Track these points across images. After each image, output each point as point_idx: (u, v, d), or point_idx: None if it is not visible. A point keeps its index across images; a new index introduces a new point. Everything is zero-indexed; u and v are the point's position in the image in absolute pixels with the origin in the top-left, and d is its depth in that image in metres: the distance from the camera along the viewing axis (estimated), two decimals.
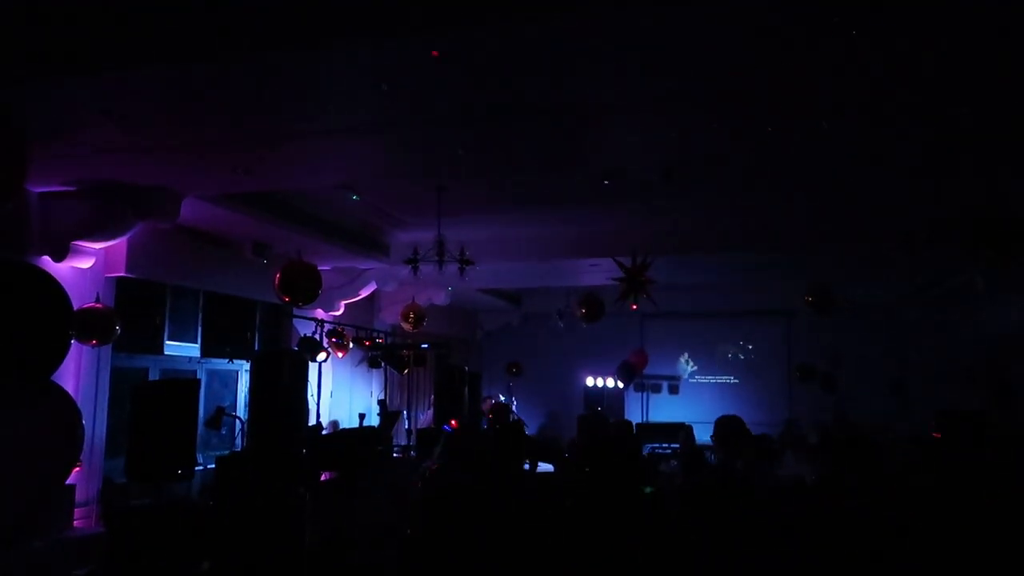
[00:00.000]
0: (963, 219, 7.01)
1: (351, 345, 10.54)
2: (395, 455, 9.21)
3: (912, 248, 8.53)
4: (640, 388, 15.22)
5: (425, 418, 11.54)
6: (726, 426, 5.40)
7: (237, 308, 9.64)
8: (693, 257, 10.15)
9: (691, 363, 16.02)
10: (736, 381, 15.76)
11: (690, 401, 15.00)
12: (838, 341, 14.26)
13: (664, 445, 11.19)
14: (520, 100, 4.82)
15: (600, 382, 14.76)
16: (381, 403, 10.44)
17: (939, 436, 6.17)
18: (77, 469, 6.69)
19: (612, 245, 9.23)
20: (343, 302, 10.98)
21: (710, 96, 4.78)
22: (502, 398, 13.57)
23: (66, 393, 3.68)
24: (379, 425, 9.48)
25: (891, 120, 5.30)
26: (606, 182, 7.16)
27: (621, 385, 14.77)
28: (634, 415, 14.70)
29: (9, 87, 4.05)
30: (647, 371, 15.05)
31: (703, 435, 8.03)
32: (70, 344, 5.07)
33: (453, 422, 9.21)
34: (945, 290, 12.65)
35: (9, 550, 5.26)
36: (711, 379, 15.92)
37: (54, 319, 3.50)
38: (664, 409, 14.88)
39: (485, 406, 12.43)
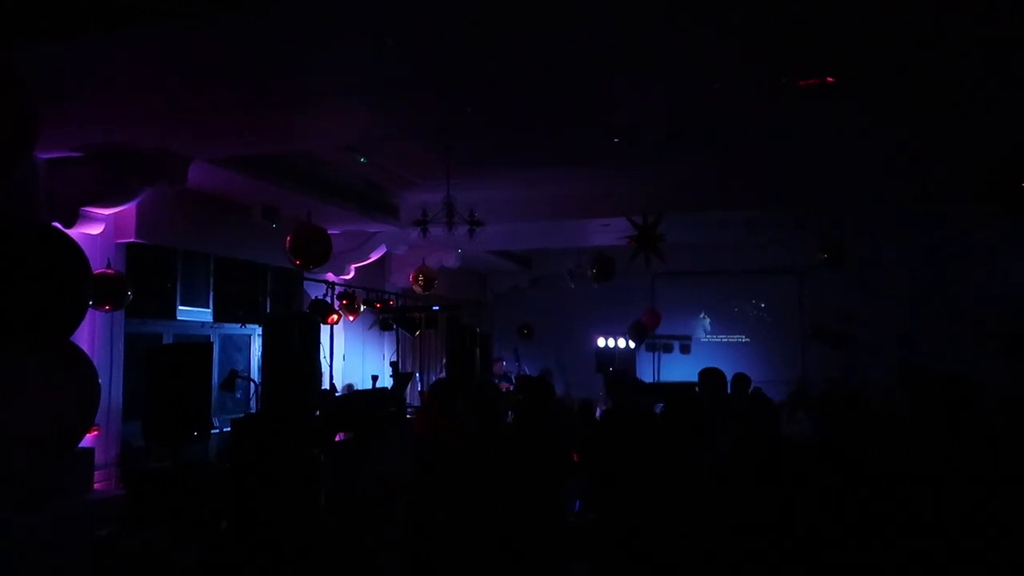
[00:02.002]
0: (976, 171, 6.94)
1: (362, 308, 10.58)
2: (408, 415, 9.34)
3: (925, 201, 8.44)
4: (652, 348, 15.22)
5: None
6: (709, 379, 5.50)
7: (248, 272, 9.67)
8: (704, 215, 10.08)
9: (707, 320, 16.00)
10: (748, 340, 15.74)
11: (702, 361, 14.94)
12: (851, 299, 14.18)
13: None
14: (525, 58, 4.74)
15: (612, 343, 14.80)
16: (393, 365, 10.54)
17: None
18: (95, 433, 6.80)
19: (623, 204, 9.19)
20: (353, 265, 11.01)
21: (717, 51, 4.68)
22: (504, 363, 13.60)
23: (83, 353, 3.71)
24: (392, 387, 9.55)
25: (902, 70, 5.19)
26: (616, 140, 7.09)
27: (633, 345, 14.78)
28: (645, 375, 14.73)
29: (17, 48, 4.01)
30: (658, 331, 15.06)
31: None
32: (88, 305, 5.10)
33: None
34: (959, 247, 12.54)
35: (32, 512, 5.37)
36: (723, 338, 15.91)
37: (72, 279, 3.51)
38: (676, 369, 14.89)
39: (497, 368, 12.51)
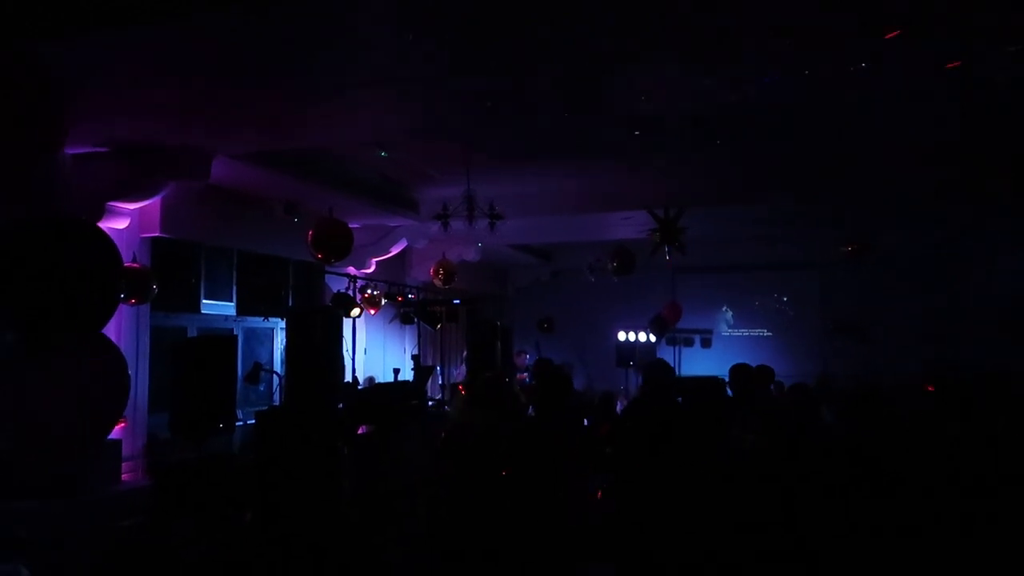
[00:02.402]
0: (1001, 165, 6.83)
1: (383, 301, 10.62)
2: (429, 407, 9.40)
3: (948, 193, 8.33)
4: (672, 342, 15.19)
5: (459, 372, 11.67)
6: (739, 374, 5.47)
7: (270, 266, 9.75)
8: (726, 209, 10.03)
9: (730, 313, 15.96)
10: (769, 334, 15.65)
11: (723, 355, 14.86)
12: (872, 294, 14.06)
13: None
14: (546, 49, 4.72)
15: (632, 336, 14.74)
16: (415, 358, 10.60)
17: (932, 389, 6.22)
18: (123, 424, 6.90)
19: (644, 198, 9.15)
20: (374, 260, 11.08)
21: (738, 42, 4.64)
22: (527, 357, 13.60)
23: (114, 346, 3.77)
24: (413, 380, 9.58)
25: (928, 63, 5.12)
26: (636, 133, 7.05)
27: (653, 339, 14.75)
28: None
29: (45, 42, 4.06)
30: (679, 325, 15.01)
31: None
32: (120, 298, 5.18)
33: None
34: (982, 240, 12.37)
35: (62, 501, 5.46)
36: (744, 332, 15.84)
37: (105, 272, 3.57)
38: (696, 363, 14.85)
39: (519, 360, 12.52)
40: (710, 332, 15.59)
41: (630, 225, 10.42)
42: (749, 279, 15.50)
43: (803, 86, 5.56)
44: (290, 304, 10.07)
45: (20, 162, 3.56)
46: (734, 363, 6.03)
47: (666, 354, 15.15)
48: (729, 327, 15.87)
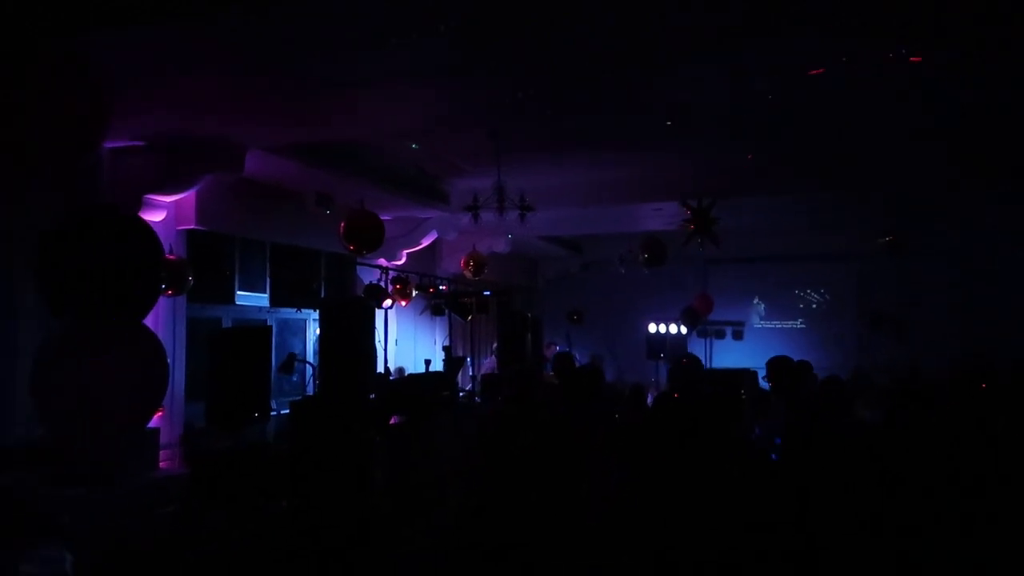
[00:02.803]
0: None
1: (414, 293, 10.67)
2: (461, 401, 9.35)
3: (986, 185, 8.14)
4: (703, 334, 15.08)
5: (488, 363, 11.70)
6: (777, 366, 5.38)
7: (303, 258, 9.85)
8: (759, 199, 9.90)
9: (762, 306, 15.81)
10: (803, 326, 15.47)
11: (754, 347, 14.74)
12: (908, 286, 13.79)
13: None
14: (577, 42, 4.70)
15: (663, 328, 14.68)
16: (446, 349, 10.61)
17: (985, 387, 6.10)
18: (161, 413, 7.02)
19: (676, 188, 9.01)
20: (405, 251, 11.15)
21: (773, 30, 4.57)
22: (557, 348, 13.56)
23: (154, 335, 3.84)
24: (444, 371, 9.64)
25: (969, 54, 5.00)
26: (668, 123, 6.99)
27: (684, 331, 14.63)
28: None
29: (86, 33, 4.12)
30: (710, 317, 14.88)
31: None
32: (161, 288, 5.27)
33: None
34: (1021, 232, 12.08)
35: (102, 488, 5.58)
36: (776, 324, 15.68)
37: (149, 262, 3.64)
38: (728, 355, 14.72)
39: (548, 352, 12.51)
40: (742, 324, 15.45)
41: (661, 216, 10.36)
42: (782, 270, 15.35)
43: (840, 76, 5.46)
44: (322, 295, 10.14)
45: (66, 155, 3.63)
46: (772, 356, 5.90)
47: (697, 346, 15.05)
48: (761, 319, 15.72)
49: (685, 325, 14.46)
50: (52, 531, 4.09)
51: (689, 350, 14.92)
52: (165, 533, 4.94)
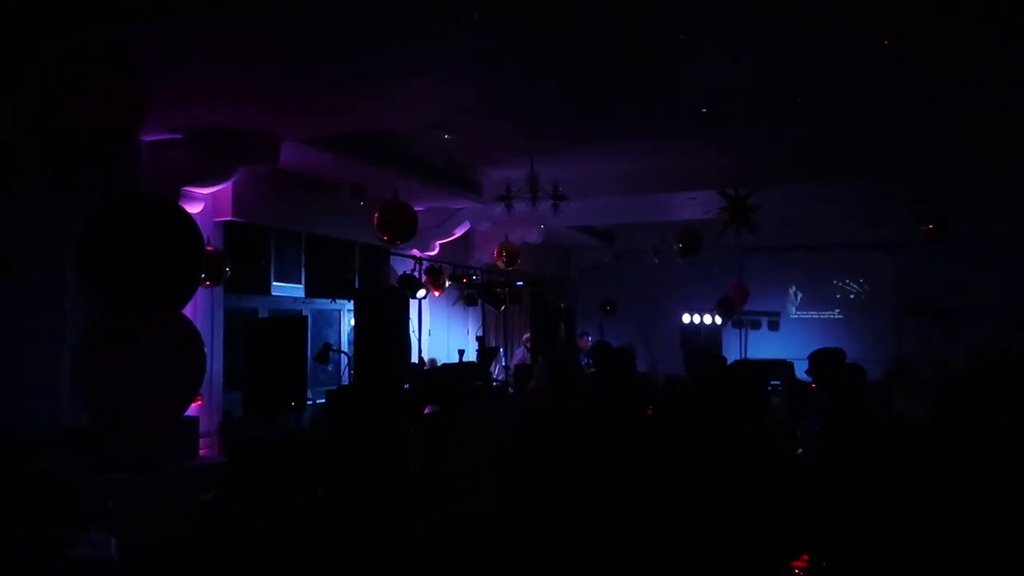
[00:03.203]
0: None
1: (447, 283, 10.70)
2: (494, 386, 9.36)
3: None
4: (738, 325, 14.81)
5: (520, 353, 11.72)
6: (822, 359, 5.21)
7: (337, 249, 9.93)
8: (796, 186, 9.70)
9: (798, 296, 15.52)
10: (841, 316, 15.21)
11: (790, 338, 14.49)
12: (949, 275, 13.41)
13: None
14: (611, 31, 4.65)
15: (697, 319, 14.54)
16: (480, 339, 10.74)
17: None
18: (200, 402, 7.15)
19: (711, 176, 8.87)
20: (438, 242, 11.16)
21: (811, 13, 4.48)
22: (590, 338, 13.48)
23: (191, 323, 3.91)
24: (478, 361, 9.66)
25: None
26: (704, 110, 6.89)
27: (719, 322, 14.45)
28: (732, 352, 14.32)
29: (127, 25, 4.18)
30: (746, 307, 14.57)
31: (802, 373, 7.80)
32: (201, 278, 5.35)
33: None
34: None
35: (145, 475, 5.70)
36: (814, 314, 15.41)
37: (189, 252, 3.70)
38: (763, 346, 14.46)
39: (581, 343, 12.48)
40: (778, 315, 15.12)
41: (696, 205, 10.24)
42: (820, 259, 15.07)
43: (879, 60, 5.35)
44: (356, 286, 10.21)
45: (109, 146, 3.70)
46: (816, 348, 5.69)
47: (732, 337, 14.85)
48: (796, 309, 15.49)
49: (720, 316, 14.28)
50: (97, 516, 4.20)
51: (724, 342, 14.78)
52: (204, 519, 5.03)
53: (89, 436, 5.37)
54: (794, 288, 15.49)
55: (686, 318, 14.42)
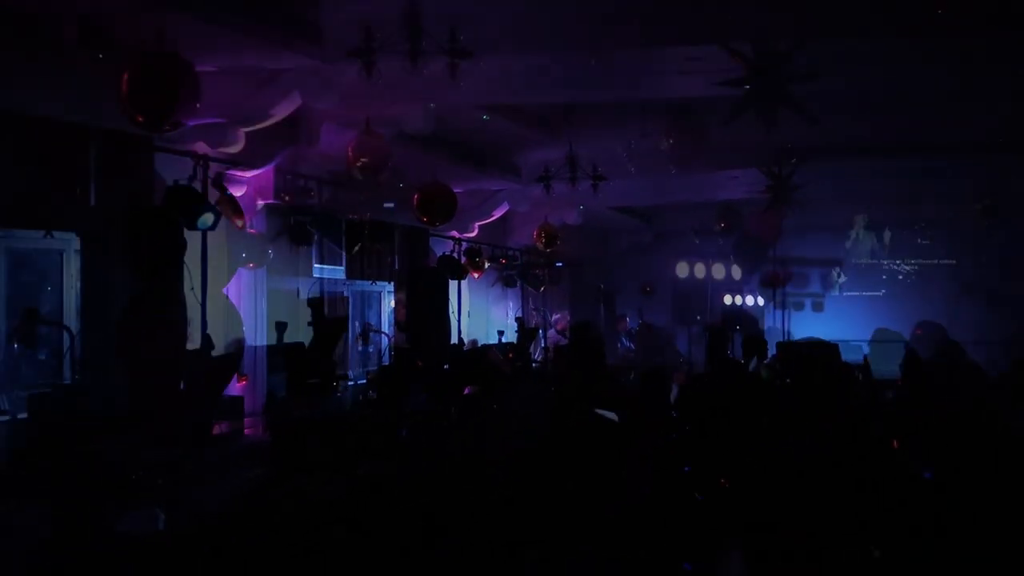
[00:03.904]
0: None
1: (487, 264, 10.71)
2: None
3: None
4: (781, 305, 14.53)
5: (551, 335, 11.75)
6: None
7: (378, 231, 9.83)
8: (842, 164, 9.45)
9: (841, 277, 15.04)
10: (888, 296, 14.91)
11: (835, 318, 14.28)
12: (1008, 251, 12.98)
13: None
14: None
15: (739, 300, 14.39)
16: (519, 320, 10.67)
17: None
18: (244, 382, 7.30)
19: (755, 154, 8.67)
20: (477, 224, 11.14)
21: None
22: (628, 321, 13.38)
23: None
24: (517, 342, 9.67)
25: None
26: (747, 87, 6.56)
27: (761, 302, 14.34)
28: (774, 334, 13.91)
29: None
30: (789, 287, 14.40)
31: (851, 355, 7.44)
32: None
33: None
34: None
35: (196, 451, 5.85)
36: (861, 293, 15.04)
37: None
38: (807, 327, 14.25)
39: (621, 326, 12.42)
40: (822, 295, 14.94)
41: (738, 184, 10.00)
42: (867, 237, 14.79)
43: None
44: (396, 267, 10.29)
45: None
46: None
47: (775, 319, 14.57)
48: (841, 289, 15.16)
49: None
50: (147, 491, 4.33)
51: (765, 322, 14.55)
52: (250, 496, 5.14)
53: (140, 414, 5.51)
54: (838, 270, 15.09)
55: (727, 299, 14.21)
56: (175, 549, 4.19)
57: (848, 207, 13.29)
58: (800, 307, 14.66)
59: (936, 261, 14.41)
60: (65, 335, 5.67)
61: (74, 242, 6.17)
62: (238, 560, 3.72)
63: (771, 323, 14.44)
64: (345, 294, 9.58)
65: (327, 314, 5.50)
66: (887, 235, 14.35)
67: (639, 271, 15.18)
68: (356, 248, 9.32)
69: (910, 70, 6.16)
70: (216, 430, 6.12)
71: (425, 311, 6.08)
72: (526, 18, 5.87)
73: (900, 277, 14.87)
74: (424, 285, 6.16)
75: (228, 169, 6.95)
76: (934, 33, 6.14)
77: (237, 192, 7.50)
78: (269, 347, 7.99)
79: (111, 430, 4.49)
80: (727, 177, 10.04)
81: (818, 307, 14.72)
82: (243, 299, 7.63)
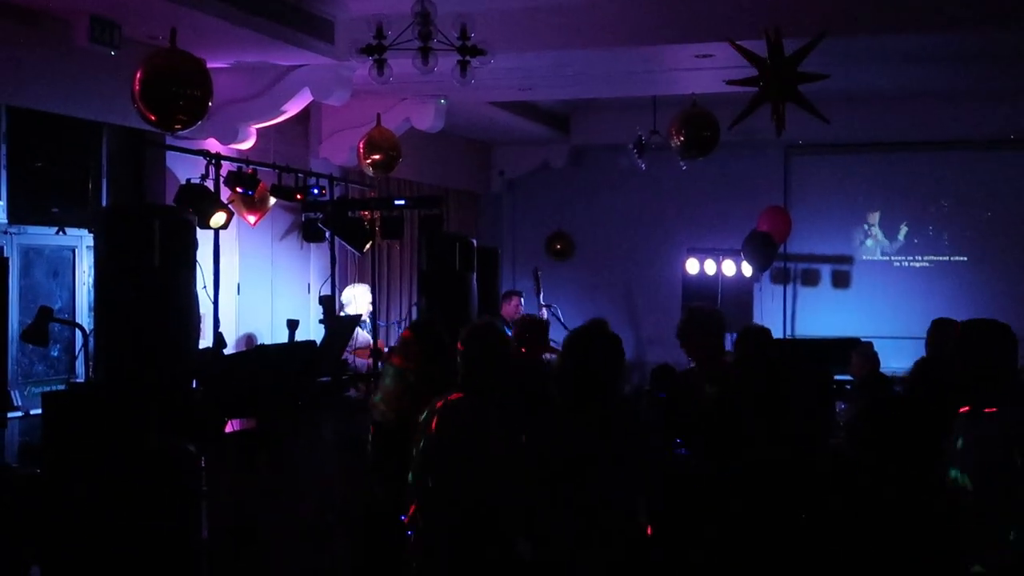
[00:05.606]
0: None
1: (271, 201, 7.62)
2: (350, 393, 6.76)
3: None
4: (781, 278, 10.96)
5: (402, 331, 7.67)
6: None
7: (69, 136, 6.70)
8: (873, 41, 6.63)
9: (878, 229, 11.13)
10: (958, 259, 10.73)
11: (870, 298, 10.76)
12: None
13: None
14: None
15: (711, 268, 10.19)
16: (325, 301, 7.37)
17: None
18: None
19: (734, 18, 6.11)
20: (254, 126, 7.66)
21: None
22: (521, 303, 9.27)
23: None
24: (323, 339, 6.80)
25: None
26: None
27: (749, 272, 10.29)
28: (772, 322, 9.74)
29: None
30: (792, 247, 10.64)
31: (894, 358, 6.25)
32: None
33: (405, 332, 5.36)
34: None
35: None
36: (907, 260, 11.00)
37: None
38: (822, 313, 10.81)
39: (508, 308, 8.87)
40: (848, 260, 10.96)
41: (709, 68, 6.99)
42: (919, 164, 10.72)
43: None
44: (103, 203, 6.90)
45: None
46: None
47: (772, 297, 10.91)
48: (882, 251, 11.16)
49: (749, 262, 10.12)
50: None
51: (758, 303, 10.69)
52: None
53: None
54: (877, 218, 11.07)
55: (693, 266, 10.11)
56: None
57: (861, 203, 10.99)
58: (813, 281, 11.03)
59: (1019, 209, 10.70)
60: (78, 334, 5.82)
61: (86, 238, 6.61)
62: None
63: (767, 310, 11.02)
64: (4, 252, 5.92)
65: None
66: (903, 230, 11.03)
67: (547, 214, 11.40)
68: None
69: (924, 66, 6.00)
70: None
71: (149, 285, 4.11)
72: (535, 17, 6.08)
73: (966, 230, 10.86)
74: (141, 236, 4.11)
75: (242, 167, 7.02)
76: (949, 29, 6.20)
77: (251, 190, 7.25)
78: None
79: (129, 428, 4.36)
80: (691, 54, 6.95)
81: (841, 280, 10.93)
82: None
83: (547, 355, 5.86)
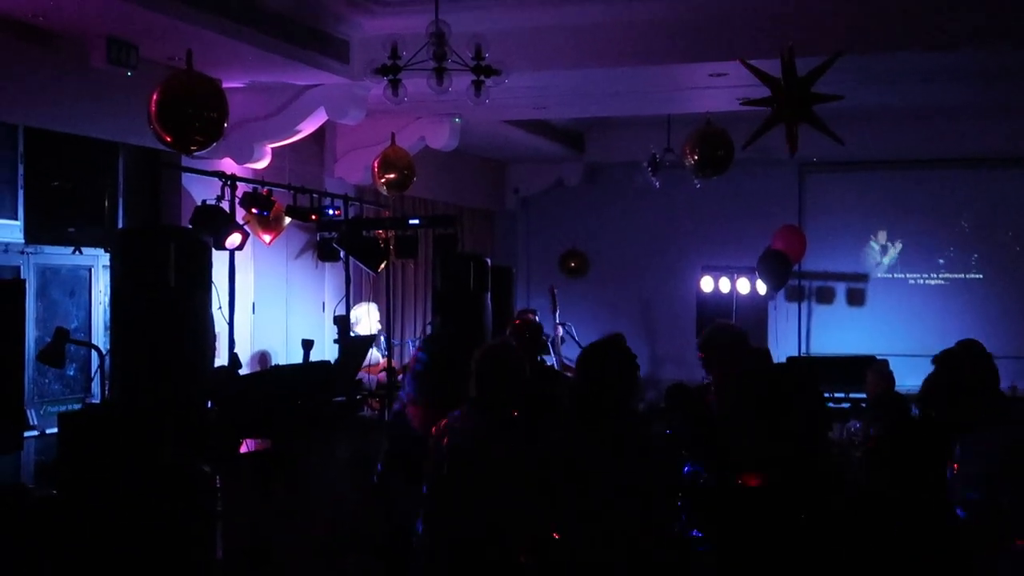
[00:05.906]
0: None
1: (286, 221, 7.69)
2: (364, 412, 7.19)
3: None
4: (796, 296, 11.23)
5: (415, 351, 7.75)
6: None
7: (86, 157, 6.84)
8: (889, 59, 6.73)
9: (892, 247, 11.33)
10: (974, 277, 10.91)
11: (885, 316, 10.97)
12: None
13: (840, 394, 7.82)
14: None
15: (726, 286, 10.46)
16: (340, 321, 7.61)
17: None
18: None
19: (748, 38, 6.21)
20: (269, 145, 7.78)
21: None
22: (537, 318, 9.37)
23: None
24: (338, 359, 7.05)
25: None
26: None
27: (764, 290, 10.45)
28: (786, 341, 10.72)
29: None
30: (807, 264, 10.75)
31: (910, 376, 6.04)
32: None
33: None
34: None
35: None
36: (922, 277, 11.17)
37: None
38: (837, 331, 11.04)
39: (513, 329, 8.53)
40: (864, 277, 11.17)
41: (723, 86, 7.14)
42: (933, 182, 10.82)
43: None
44: (119, 223, 7.05)
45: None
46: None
47: (787, 315, 10.98)
48: (897, 268, 11.31)
49: (764, 280, 10.13)
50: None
51: (772, 322, 10.79)
52: None
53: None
54: (883, 235, 11.29)
55: (707, 284, 10.40)
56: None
57: (876, 220, 11.15)
58: (828, 299, 11.23)
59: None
60: (94, 354, 5.95)
61: (103, 258, 6.78)
62: None
63: (782, 328, 11.15)
64: (22, 274, 6.23)
65: None
66: (918, 248, 11.18)
67: (562, 232, 11.54)
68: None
69: (939, 84, 6.01)
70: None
71: (164, 304, 4.15)
72: (550, 40, 6.30)
73: (984, 247, 10.95)
74: (157, 257, 4.15)
75: (257, 188, 7.23)
76: (964, 47, 6.34)
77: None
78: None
79: (144, 447, 4.54)
80: (706, 74, 7.09)
81: (856, 298, 11.14)
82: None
83: (540, 356, 6.02)
